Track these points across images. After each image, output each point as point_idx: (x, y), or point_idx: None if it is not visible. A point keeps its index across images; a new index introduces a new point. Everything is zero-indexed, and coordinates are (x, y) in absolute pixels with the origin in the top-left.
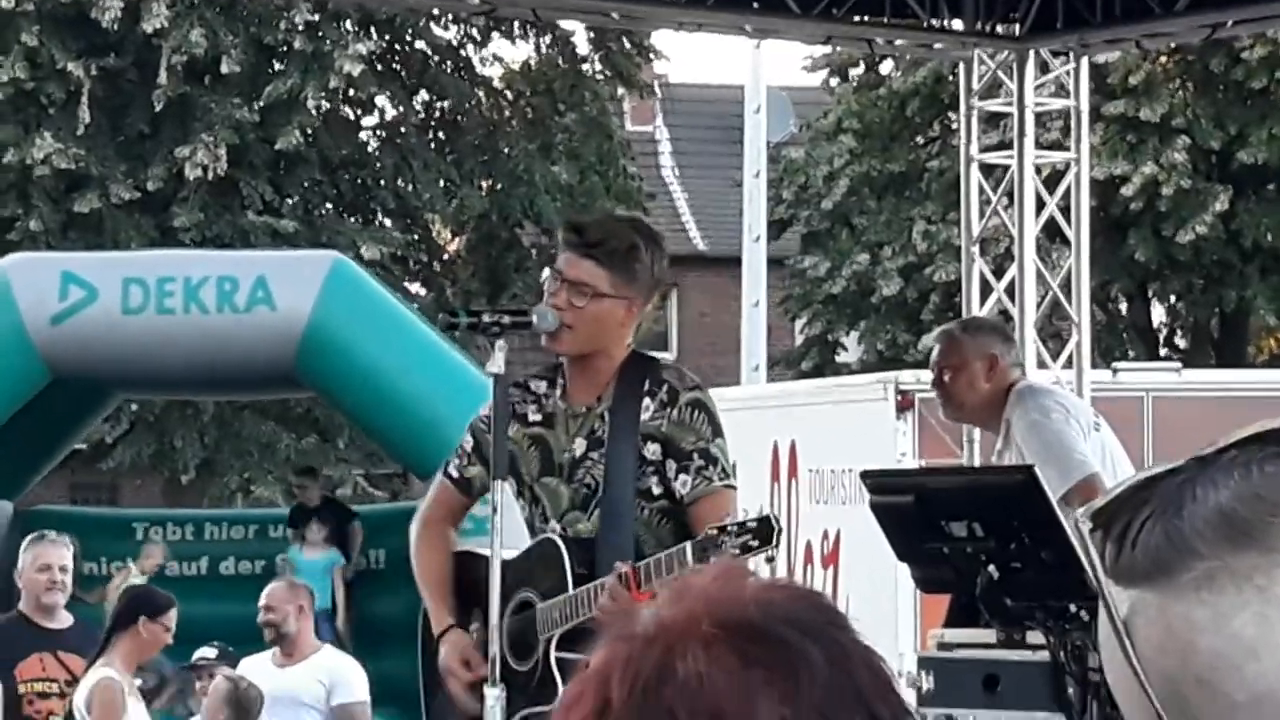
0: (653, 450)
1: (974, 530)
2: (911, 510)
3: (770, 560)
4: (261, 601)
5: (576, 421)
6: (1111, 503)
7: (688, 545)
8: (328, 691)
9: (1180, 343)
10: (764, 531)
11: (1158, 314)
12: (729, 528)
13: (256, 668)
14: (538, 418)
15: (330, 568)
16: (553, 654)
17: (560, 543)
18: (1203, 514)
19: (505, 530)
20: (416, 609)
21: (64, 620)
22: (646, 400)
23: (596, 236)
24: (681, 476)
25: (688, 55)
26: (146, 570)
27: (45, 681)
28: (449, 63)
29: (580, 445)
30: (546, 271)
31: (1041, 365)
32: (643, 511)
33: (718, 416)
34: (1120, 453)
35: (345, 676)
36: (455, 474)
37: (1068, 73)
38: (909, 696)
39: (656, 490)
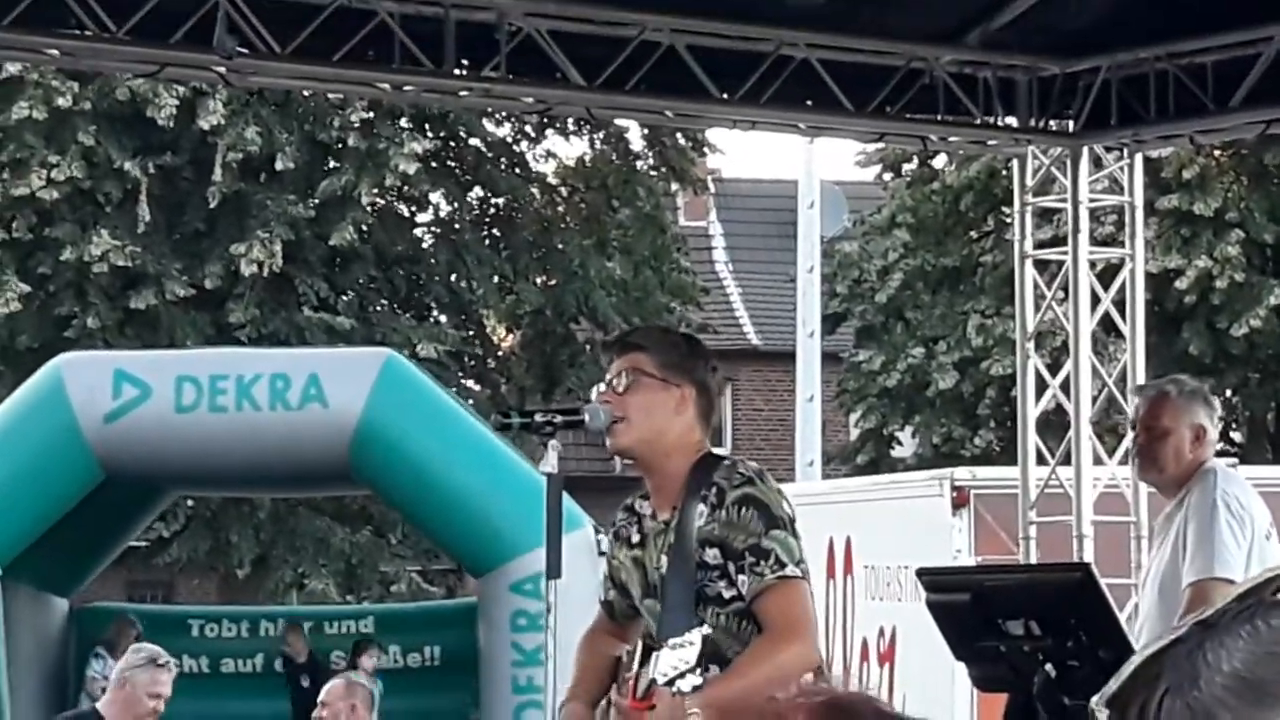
0: (713, 555)
1: (1030, 628)
2: (968, 608)
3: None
4: (320, 697)
5: (660, 539)
6: (1124, 685)
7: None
8: None
9: (1236, 436)
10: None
11: None
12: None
13: None
14: (637, 539)
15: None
16: None
17: (624, 652)
18: (1220, 681)
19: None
20: (468, 705)
21: None
22: (700, 505)
23: (629, 331)
24: (740, 577)
25: (741, 150)
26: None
27: None
28: (503, 159)
29: (664, 563)
30: (596, 388)
31: (1098, 462)
32: (718, 618)
33: (774, 507)
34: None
35: None
36: (601, 597)
37: (1121, 168)
38: None
39: (728, 594)
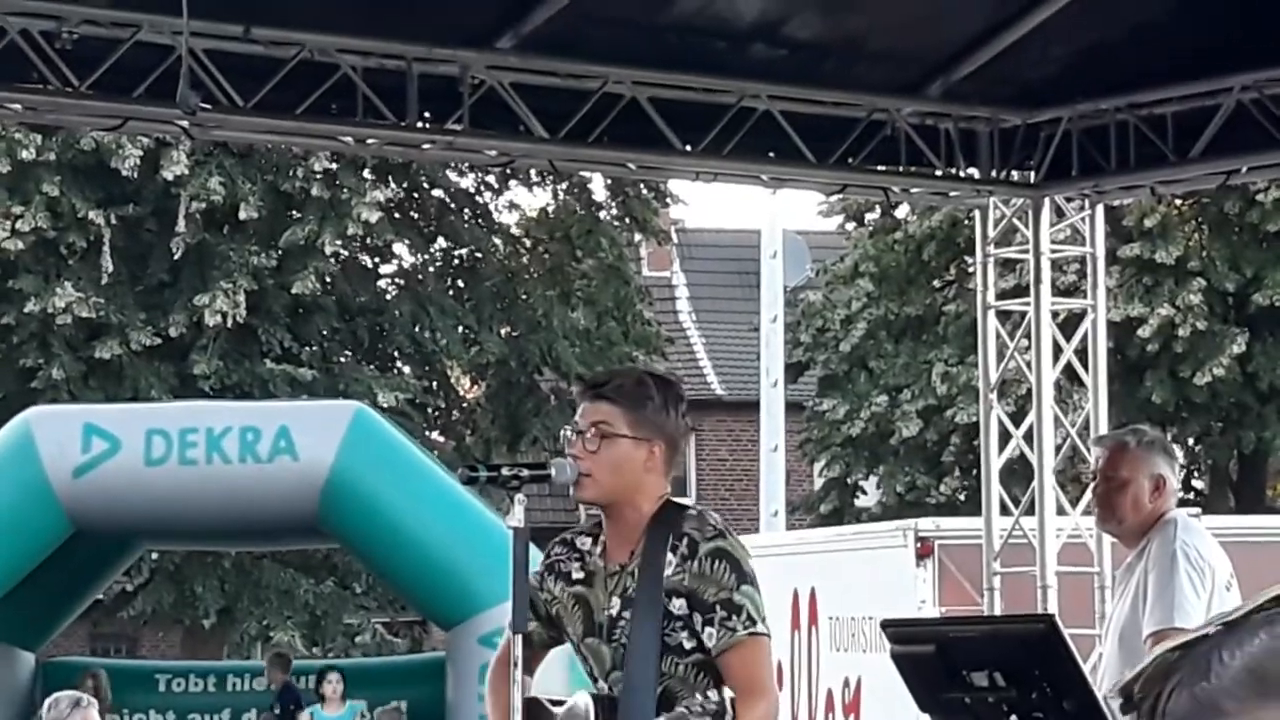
0: (679, 605)
1: (995, 680)
2: (932, 660)
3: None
4: None
5: (613, 580)
6: (1140, 677)
7: None
8: None
9: (1198, 484)
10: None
11: None
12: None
13: None
14: (580, 576)
15: (354, 718)
16: None
17: (590, 702)
18: (1229, 675)
19: (549, 680)
20: None
21: None
22: (669, 555)
23: (604, 378)
24: (708, 629)
25: (704, 201)
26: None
27: None
28: (466, 210)
29: (616, 604)
30: (565, 431)
31: (1061, 512)
32: (677, 667)
33: (743, 563)
34: None
35: None
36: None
37: (1083, 219)
38: None
39: (689, 644)
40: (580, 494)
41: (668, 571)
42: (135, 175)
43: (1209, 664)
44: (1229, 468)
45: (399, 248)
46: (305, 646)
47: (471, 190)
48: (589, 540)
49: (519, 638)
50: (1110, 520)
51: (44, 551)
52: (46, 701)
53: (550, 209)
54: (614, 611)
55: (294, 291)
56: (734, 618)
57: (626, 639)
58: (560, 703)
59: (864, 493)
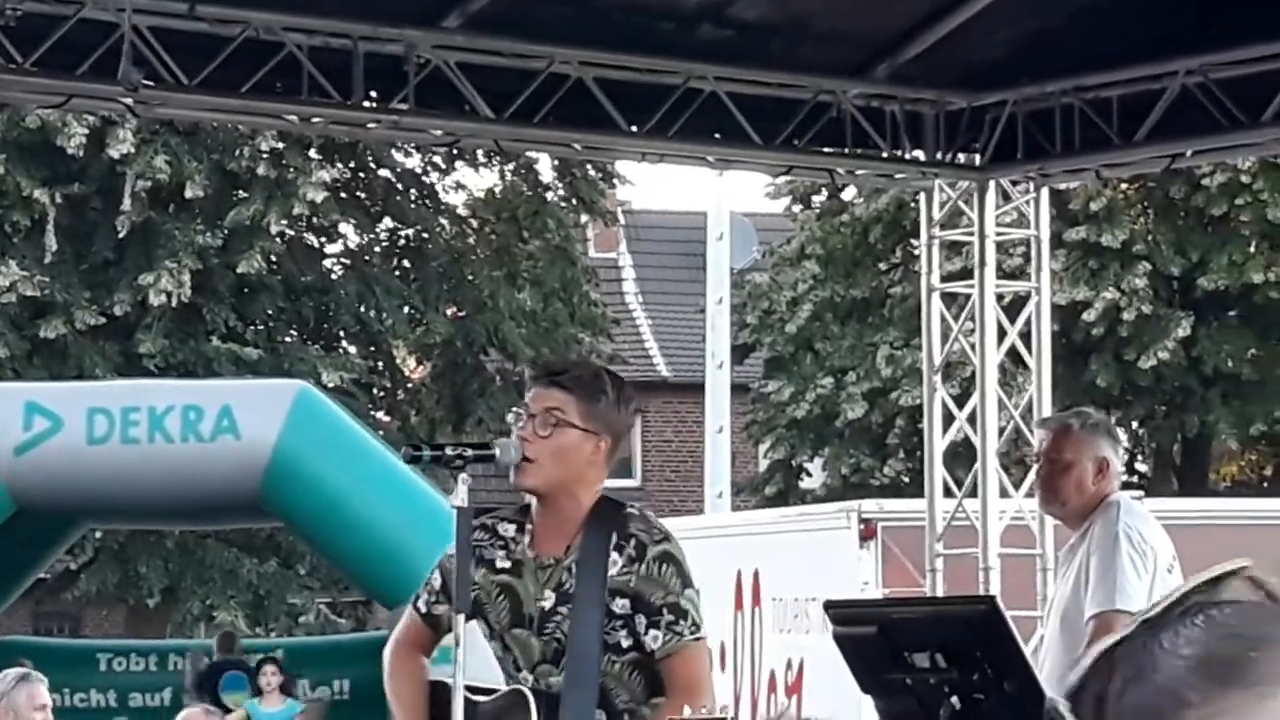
0: (621, 605)
1: (936, 661)
2: (874, 641)
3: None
4: None
5: (545, 573)
6: (1081, 679)
7: None
8: None
9: (1142, 468)
10: None
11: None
12: None
13: None
14: (505, 565)
15: (290, 717)
16: None
17: (530, 696)
18: (1182, 664)
19: (477, 664)
20: None
21: None
22: (614, 555)
23: (561, 366)
24: (652, 631)
25: (651, 182)
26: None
27: None
28: (413, 190)
29: (550, 598)
30: (511, 415)
31: (1004, 494)
32: (613, 665)
33: (686, 567)
34: None
35: None
36: (423, 609)
37: (1028, 202)
38: None
39: (626, 643)
40: (521, 480)
41: (612, 571)
42: (80, 153)
43: (1153, 657)
44: (1173, 451)
45: (345, 227)
46: (249, 626)
47: (418, 170)
48: (512, 527)
49: (460, 618)
50: (1054, 502)
51: None
52: (9, 676)
53: (497, 190)
54: (547, 605)
55: (239, 271)
56: (680, 622)
57: (563, 634)
58: (486, 691)
59: (809, 474)
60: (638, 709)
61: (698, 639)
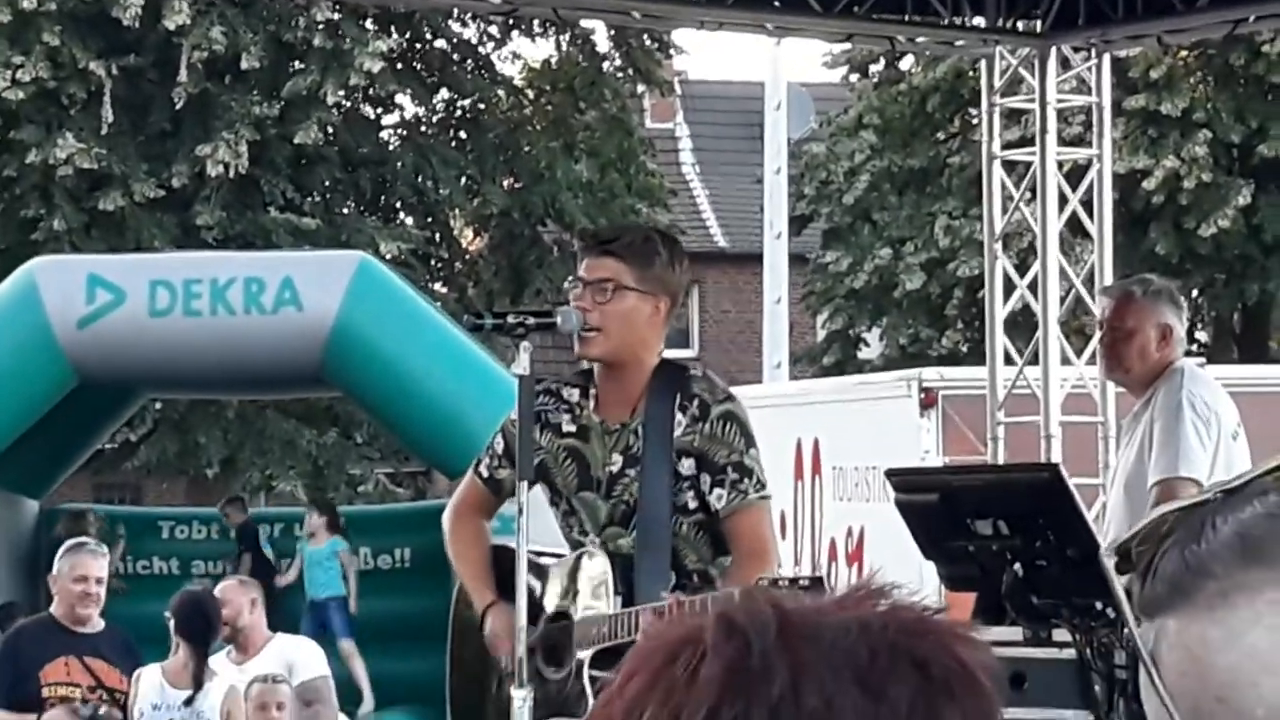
0: (687, 465)
1: (999, 528)
2: (936, 508)
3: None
4: (217, 593)
5: (612, 437)
6: (1135, 538)
7: (736, 592)
8: (288, 675)
9: (1202, 336)
10: (817, 591)
11: None
12: (780, 582)
13: (216, 668)
14: (571, 429)
15: (334, 553)
16: (586, 670)
17: (606, 560)
18: (1220, 538)
19: (540, 530)
20: (440, 607)
21: (95, 625)
22: (679, 415)
23: (611, 234)
24: (716, 490)
25: (708, 52)
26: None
27: (68, 686)
28: (469, 60)
29: (617, 461)
30: (568, 282)
31: (1065, 362)
32: (680, 526)
33: (750, 426)
34: (1245, 465)
35: (302, 657)
36: (485, 474)
37: (1089, 69)
38: None
39: (693, 505)
40: (586, 349)
41: (677, 432)
42: (136, 25)
43: (1202, 527)
44: (1232, 319)
45: (401, 98)
46: (309, 496)
47: (474, 41)
48: (576, 392)
49: (523, 484)
50: (1117, 370)
51: (48, 402)
52: (63, 546)
53: (553, 60)
54: (615, 468)
55: (296, 142)
56: (745, 480)
57: (631, 496)
58: (550, 556)
59: (867, 345)
60: (706, 569)
61: (762, 497)
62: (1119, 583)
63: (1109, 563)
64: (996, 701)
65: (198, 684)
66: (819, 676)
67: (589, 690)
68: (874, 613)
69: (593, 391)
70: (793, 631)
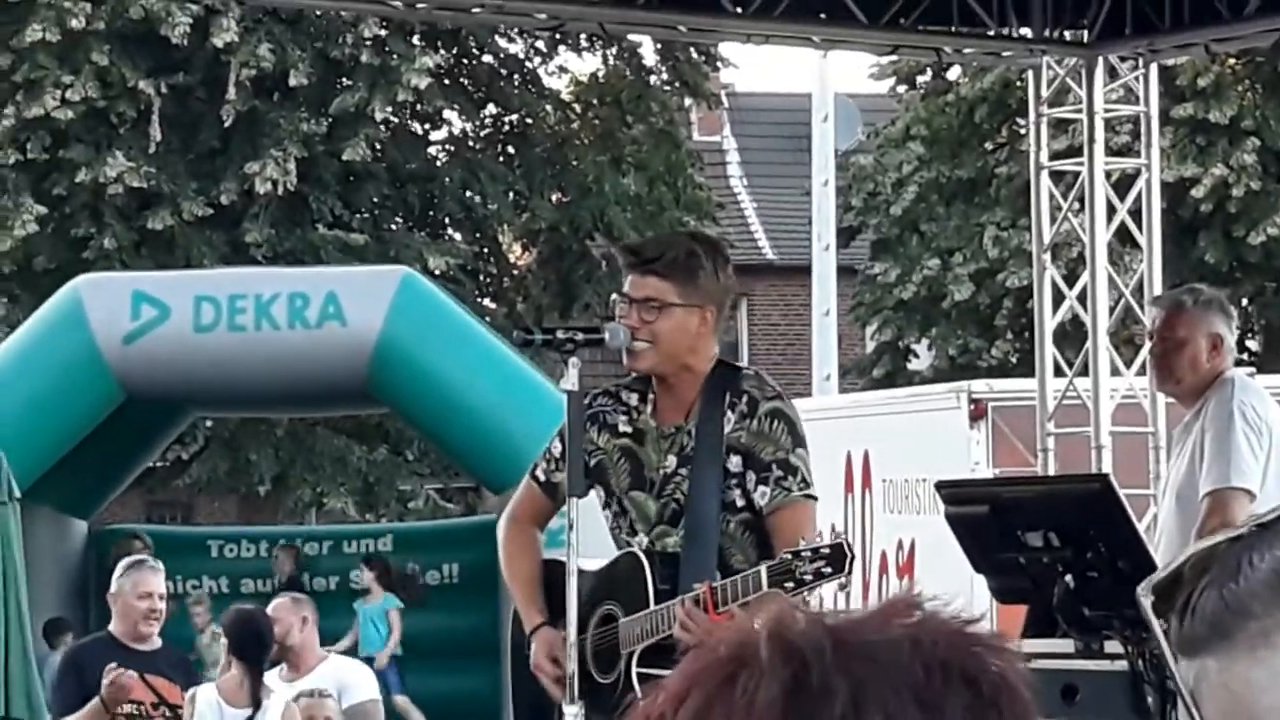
0: (735, 462)
1: (1050, 540)
2: (987, 520)
3: (843, 587)
4: (270, 611)
5: (667, 441)
6: (1173, 575)
7: (763, 568)
8: (338, 697)
9: (1252, 345)
10: (837, 558)
11: None
12: (803, 552)
13: (270, 686)
14: (628, 429)
15: (385, 612)
16: (634, 669)
17: (643, 557)
18: (1258, 576)
19: (588, 542)
20: (491, 622)
21: (154, 643)
22: (728, 413)
23: (654, 252)
24: (761, 488)
25: (754, 64)
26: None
27: (132, 703)
28: (516, 75)
29: (671, 462)
30: (614, 298)
31: (1115, 373)
32: (728, 524)
33: (799, 426)
34: None
35: (353, 679)
36: (542, 478)
37: (1136, 78)
38: None
39: (740, 503)
40: (636, 364)
41: (727, 428)
42: (185, 43)
43: (1239, 565)
44: None
45: (449, 114)
46: (359, 513)
47: (521, 55)
48: (635, 396)
49: (574, 500)
50: (1168, 381)
51: (95, 419)
52: (121, 564)
53: (600, 74)
54: (669, 469)
55: (344, 158)
56: (789, 478)
57: (682, 495)
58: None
59: (916, 356)
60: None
61: (806, 495)
62: (1157, 624)
63: (1146, 602)
64: (1036, 712)
65: (256, 703)
66: (880, 696)
67: (638, 690)
68: (922, 628)
69: (650, 396)
70: (848, 651)
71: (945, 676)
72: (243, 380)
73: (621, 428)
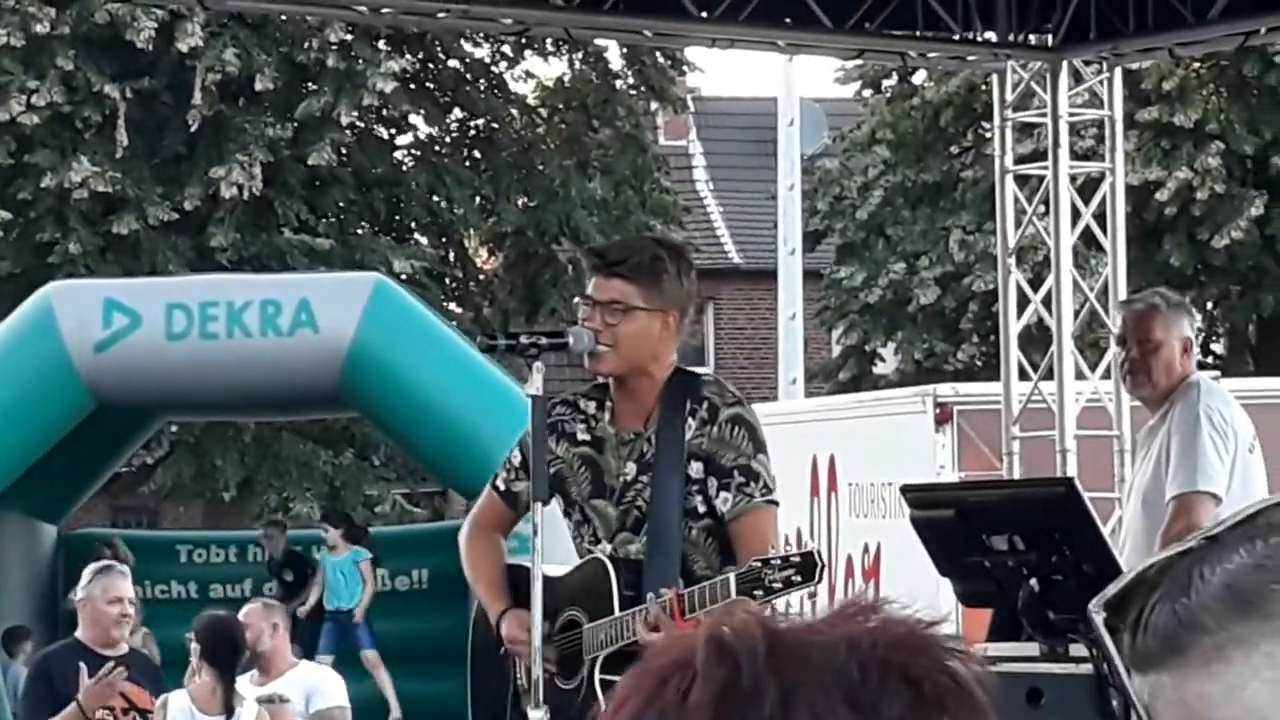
0: (696, 469)
1: (1015, 543)
2: (952, 524)
3: (812, 595)
4: (240, 617)
5: (626, 447)
6: (1124, 590)
7: (731, 576)
8: (306, 702)
9: (1217, 348)
10: (807, 567)
11: None
12: (772, 560)
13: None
14: (586, 438)
15: (355, 564)
16: (597, 675)
17: (608, 564)
18: (1210, 590)
19: (551, 549)
20: (460, 627)
21: (121, 648)
22: (689, 419)
23: (618, 255)
24: (723, 494)
25: (720, 68)
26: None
27: (104, 710)
28: (482, 80)
29: (631, 469)
30: (578, 300)
31: (1080, 376)
32: (690, 531)
33: (759, 431)
34: (1262, 478)
35: (322, 685)
36: (502, 487)
37: (1101, 82)
38: None
39: (701, 509)
40: (598, 366)
41: (688, 435)
42: (150, 48)
43: (1190, 579)
44: (1247, 331)
45: (415, 118)
46: (322, 514)
47: (487, 60)
48: (593, 404)
49: (538, 505)
50: (1145, 385)
51: (66, 428)
52: (88, 570)
53: (566, 79)
54: (629, 476)
55: (310, 163)
56: (751, 484)
57: (644, 502)
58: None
59: (882, 360)
60: (714, 576)
61: (768, 501)
62: (1110, 640)
63: (1098, 618)
64: (991, 714)
65: (229, 710)
66: (809, 696)
67: (600, 696)
68: (864, 629)
69: (608, 404)
70: (783, 652)
71: (883, 677)
72: (215, 387)
73: (580, 436)
